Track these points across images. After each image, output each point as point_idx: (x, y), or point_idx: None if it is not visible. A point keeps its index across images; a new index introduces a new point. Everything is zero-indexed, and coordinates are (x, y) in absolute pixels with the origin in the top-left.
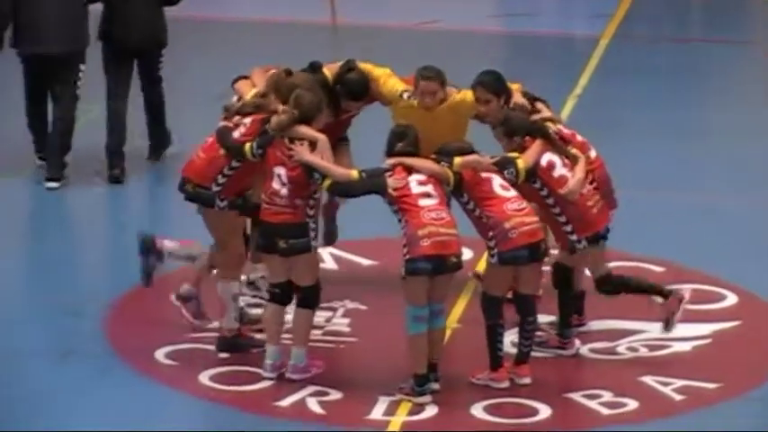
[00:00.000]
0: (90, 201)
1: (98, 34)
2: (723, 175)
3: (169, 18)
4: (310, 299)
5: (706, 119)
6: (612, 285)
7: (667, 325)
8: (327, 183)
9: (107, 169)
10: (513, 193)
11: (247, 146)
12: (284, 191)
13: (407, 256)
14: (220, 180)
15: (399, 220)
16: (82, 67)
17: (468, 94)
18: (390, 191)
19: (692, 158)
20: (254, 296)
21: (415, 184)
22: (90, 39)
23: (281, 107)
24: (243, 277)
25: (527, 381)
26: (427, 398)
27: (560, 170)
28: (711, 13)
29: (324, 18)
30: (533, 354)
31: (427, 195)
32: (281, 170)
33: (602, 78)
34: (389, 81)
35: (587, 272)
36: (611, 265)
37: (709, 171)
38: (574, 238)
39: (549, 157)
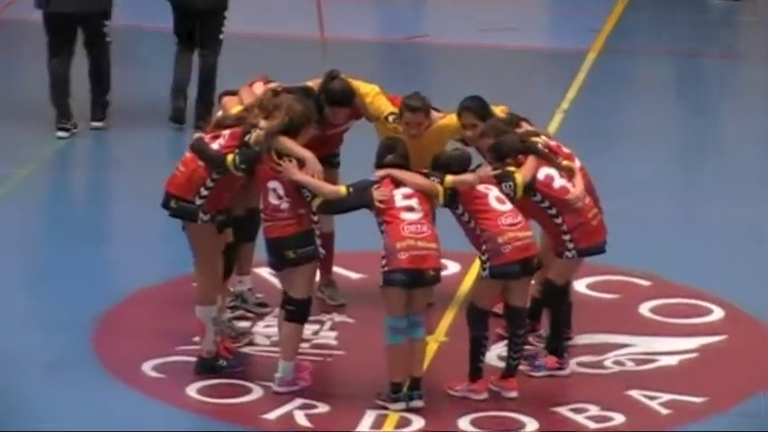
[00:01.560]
0: (73, 207)
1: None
2: (711, 187)
3: (154, 31)
4: (301, 313)
5: (694, 131)
6: (555, 299)
7: (529, 359)
8: (317, 201)
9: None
10: (508, 206)
11: (229, 157)
12: (284, 204)
13: (385, 268)
14: (203, 192)
15: (381, 232)
16: (107, 23)
17: (452, 119)
18: (376, 203)
19: (679, 170)
20: (242, 309)
21: (400, 197)
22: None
23: (262, 122)
24: (231, 289)
25: (514, 394)
26: (401, 404)
27: (560, 181)
28: (698, 26)
29: (312, 32)
30: (520, 367)
31: (410, 209)
32: (275, 184)
33: (590, 92)
34: (377, 99)
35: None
36: (598, 278)
37: (696, 183)
38: (570, 246)
39: (546, 172)
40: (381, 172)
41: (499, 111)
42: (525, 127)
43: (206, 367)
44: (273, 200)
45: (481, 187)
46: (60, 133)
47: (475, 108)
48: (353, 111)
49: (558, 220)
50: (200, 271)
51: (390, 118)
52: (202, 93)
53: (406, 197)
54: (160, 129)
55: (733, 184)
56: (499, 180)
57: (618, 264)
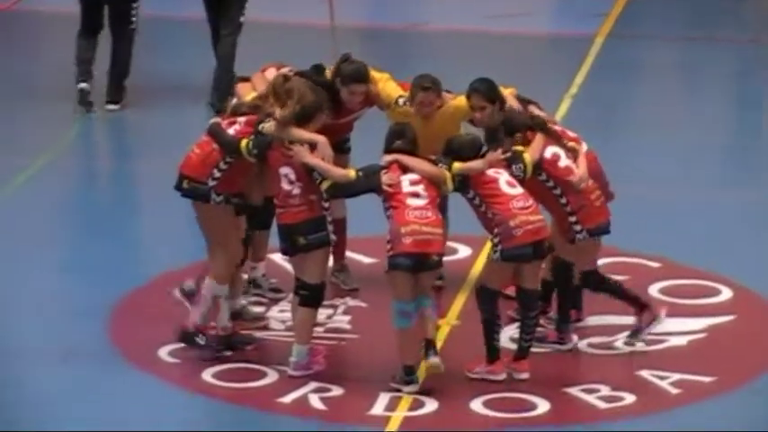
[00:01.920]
0: (83, 197)
1: None
2: (718, 170)
3: (177, 20)
4: (315, 297)
5: (702, 115)
6: (594, 283)
7: (633, 335)
8: (327, 184)
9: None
10: (519, 190)
11: (243, 142)
12: (296, 190)
13: (390, 252)
14: (216, 174)
15: (387, 217)
16: (135, 5)
17: (463, 101)
18: (384, 187)
19: (687, 153)
20: (256, 294)
21: (407, 183)
22: None
23: (277, 111)
24: (244, 276)
25: (526, 376)
26: (414, 387)
27: (565, 161)
28: (706, 11)
29: (317, 19)
30: (532, 349)
31: (416, 195)
32: (286, 170)
33: (598, 77)
34: (387, 85)
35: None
36: (608, 260)
37: (704, 167)
38: (578, 228)
39: (552, 150)
40: (389, 157)
41: (508, 93)
42: (533, 110)
43: (184, 337)
44: (285, 185)
45: (491, 171)
46: (82, 85)
47: (484, 90)
48: (366, 97)
49: (563, 200)
50: (217, 252)
51: (400, 101)
52: (219, 74)
53: (413, 183)
54: (181, 114)
55: (742, 168)
56: (509, 163)
57: (627, 246)
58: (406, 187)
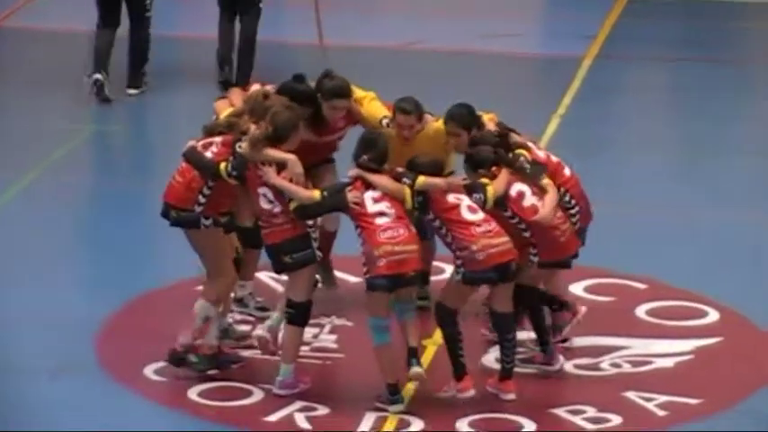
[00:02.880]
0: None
1: None
2: (705, 191)
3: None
4: (301, 316)
5: (689, 136)
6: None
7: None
8: (293, 205)
9: None
10: (481, 215)
11: (222, 165)
12: (277, 208)
13: (367, 275)
14: (201, 200)
15: (359, 236)
16: None
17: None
18: (351, 205)
19: (674, 175)
20: (242, 313)
21: (370, 202)
22: None
23: (252, 127)
24: (232, 294)
25: (512, 396)
26: (400, 406)
27: (530, 199)
28: (692, 32)
29: (309, 39)
30: (518, 370)
31: (382, 214)
32: (264, 189)
33: (586, 97)
34: (371, 105)
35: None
36: (594, 281)
37: (690, 187)
38: (534, 259)
39: (518, 188)
40: (353, 172)
41: (488, 119)
42: (513, 138)
43: (175, 359)
44: (265, 205)
45: (452, 198)
46: (97, 75)
47: (458, 117)
48: (350, 116)
49: (527, 234)
50: (216, 275)
51: (384, 122)
52: (241, 59)
53: (376, 201)
54: (173, 130)
55: (728, 189)
56: (469, 191)
57: (614, 267)
58: (370, 207)
